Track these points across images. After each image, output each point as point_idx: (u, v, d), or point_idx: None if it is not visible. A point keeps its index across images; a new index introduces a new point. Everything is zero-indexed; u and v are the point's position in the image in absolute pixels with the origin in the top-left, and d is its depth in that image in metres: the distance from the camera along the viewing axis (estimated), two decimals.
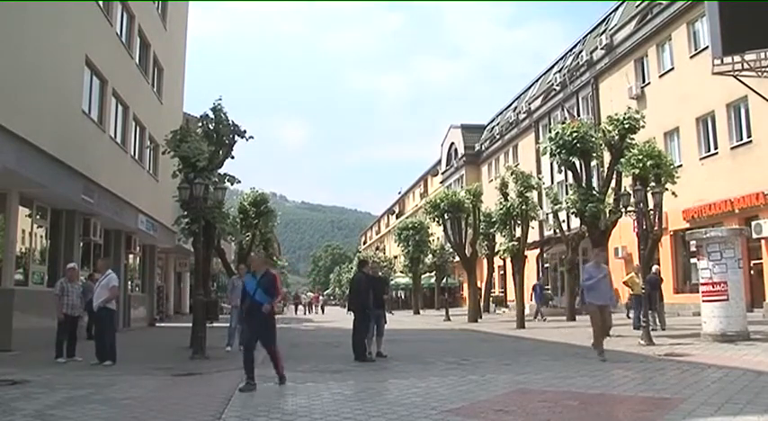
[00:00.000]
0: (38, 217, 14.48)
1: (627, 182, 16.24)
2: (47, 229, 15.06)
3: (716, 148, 21.36)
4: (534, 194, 23.72)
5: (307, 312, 49.24)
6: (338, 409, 6.12)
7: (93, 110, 16.29)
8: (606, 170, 17.48)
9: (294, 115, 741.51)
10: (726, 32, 15.46)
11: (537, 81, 39.09)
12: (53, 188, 13.43)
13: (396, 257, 54.70)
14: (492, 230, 26.36)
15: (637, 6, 26.57)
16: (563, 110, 31.50)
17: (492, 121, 47.43)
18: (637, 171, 15.12)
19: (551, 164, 26.99)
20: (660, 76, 24.40)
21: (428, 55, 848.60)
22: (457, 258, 30.11)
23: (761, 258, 19.13)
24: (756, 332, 12.69)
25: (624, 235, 22.93)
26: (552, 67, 36.59)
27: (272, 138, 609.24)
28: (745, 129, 20.06)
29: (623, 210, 15.30)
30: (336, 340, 14.97)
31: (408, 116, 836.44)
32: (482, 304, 32.32)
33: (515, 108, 41.35)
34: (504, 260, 28.79)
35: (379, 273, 13.60)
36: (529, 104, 37.50)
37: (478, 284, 31.83)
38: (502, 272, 38.45)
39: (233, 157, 14.02)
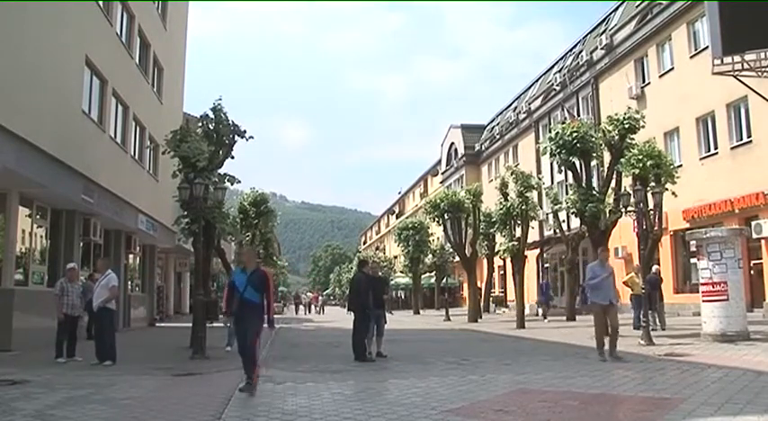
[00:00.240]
0: (38, 217, 14.48)
1: (627, 182, 16.22)
2: (47, 229, 15.05)
3: (716, 148, 21.36)
4: (534, 194, 23.72)
5: (306, 312, 49.36)
6: (338, 409, 6.12)
7: (93, 110, 16.29)
8: (606, 170, 17.47)
9: (294, 115, 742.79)
10: (726, 32, 15.46)
11: (537, 81, 39.08)
12: (53, 188, 13.43)
13: (396, 257, 54.70)
14: (492, 230, 26.35)
15: (637, 6, 26.56)
16: (563, 110, 31.49)
17: (492, 121, 47.43)
18: (637, 171, 15.11)
19: (551, 164, 26.98)
20: (660, 76, 24.39)
21: (428, 55, 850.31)
22: (457, 258, 30.12)
23: (761, 258, 19.13)
24: (756, 332, 12.70)
25: (624, 235, 22.92)
26: (552, 67, 36.59)
27: (272, 138, 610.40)
28: (745, 129, 20.05)
29: (623, 210, 15.28)
30: (336, 340, 14.98)
31: (408, 116, 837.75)
32: (482, 304, 32.31)
33: (515, 108, 41.34)
34: (504, 260, 28.78)
35: (379, 273, 13.60)
36: (529, 104, 37.50)
37: (478, 284, 31.83)
38: (502, 272, 38.44)
39: (233, 157, 14.02)
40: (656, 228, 15.14)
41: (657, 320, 15.73)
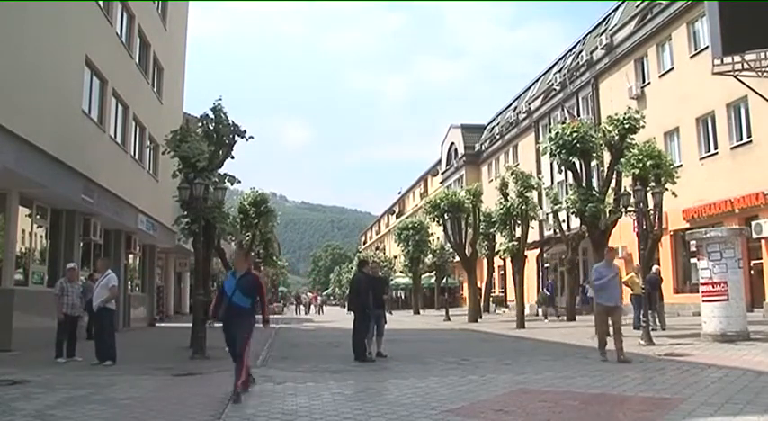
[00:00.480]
0: (38, 217, 14.47)
1: (627, 182, 16.22)
2: (47, 229, 15.05)
3: (716, 148, 21.36)
4: (534, 194, 23.73)
5: (306, 312, 49.49)
6: (338, 409, 6.12)
7: (93, 110, 16.29)
8: (606, 170, 17.47)
9: (294, 115, 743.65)
10: (726, 32, 15.46)
11: (537, 81, 39.06)
12: (53, 188, 13.42)
13: (396, 257, 54.70)
14: (492, 230, 26.37)
15: (637, 6, 26.56)
16: (563, 110, 31.48)
17: (492, 121, 47.42)
18: (637, 171, 15.11)
19: (551, 164, 26.97)
20: (660, 76, 24.39)
21: (428, 55, 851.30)
22: (457, 258, 30.11)
23: (761, 258, 19.12)
24: (756, 332, 12.70)
25: (624, 235, 22.91)
26: (552, 67, 36.57)
27: (272, 138, 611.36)
28: (745, 129, 20.05)
29: (623, 210, 15.28)
30: (336, 340, 14.98)
31: (408, 116, 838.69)
32: (482, 304, 32.32)
33: (515, 108, 41.33)
34: (504, 260, 28.80)
35: (379, 273, 13.59)
36: (529, 104, 37.49)
37: (478, 284, 31.84)
38: (502, 272, 38.43)
39: (233, 157, 14.01)
40: (656, 228, 15.15)
41: (657, 320, 15.73)
